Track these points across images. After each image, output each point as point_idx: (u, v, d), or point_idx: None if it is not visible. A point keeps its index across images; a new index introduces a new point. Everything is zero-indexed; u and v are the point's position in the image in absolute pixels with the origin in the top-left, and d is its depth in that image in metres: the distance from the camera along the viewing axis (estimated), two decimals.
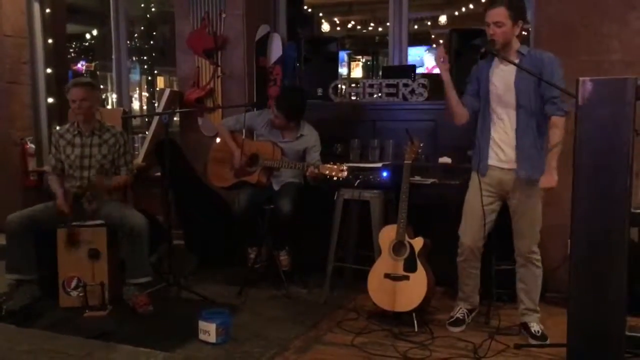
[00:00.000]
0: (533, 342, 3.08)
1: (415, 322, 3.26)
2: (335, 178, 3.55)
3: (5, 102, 5.64)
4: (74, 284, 3.61)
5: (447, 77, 3.10)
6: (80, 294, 3.58)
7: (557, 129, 2.94)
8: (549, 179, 2.94)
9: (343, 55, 9.37)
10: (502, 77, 3.04)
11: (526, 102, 2.99)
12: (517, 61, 2.98)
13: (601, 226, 2.02)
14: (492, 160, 3.10)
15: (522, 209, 3.08)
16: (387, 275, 3.33)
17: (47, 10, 5.97)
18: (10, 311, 3.47)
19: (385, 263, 3.36)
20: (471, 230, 3.19)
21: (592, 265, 2.06)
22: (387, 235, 3.38)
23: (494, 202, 3.15)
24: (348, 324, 3.38)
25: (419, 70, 5.54)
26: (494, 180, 3.11)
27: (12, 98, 5.68)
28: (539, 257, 3.13)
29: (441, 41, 9.17)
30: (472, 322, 3.36)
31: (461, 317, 3.31)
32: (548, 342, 3.07)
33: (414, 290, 3.27)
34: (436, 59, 3.13)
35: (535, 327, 3.13)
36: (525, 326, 3.17)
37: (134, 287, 3.62)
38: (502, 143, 3.07)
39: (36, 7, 5.84)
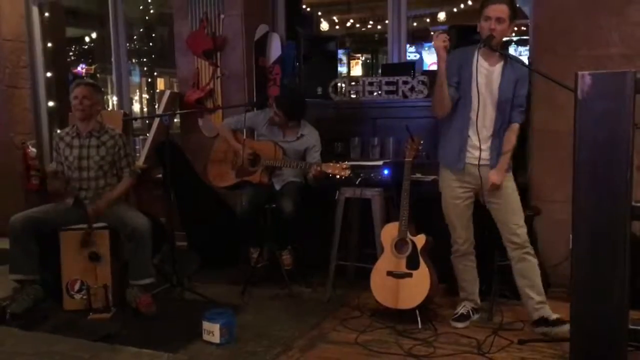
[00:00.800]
0: (555, 330, 3.02)
1: (419, 319, 3.27)
2: (338, 177, 3.55)
3: (6, 106, 5.67)
4: (77, 286, 3.62)
5: (443, 65, 3.01)
6: (84, 297, 3.59)
7: (514, 135, 3.07)
8: (500, 176, 3.04)
9: (340, 52, 9.35)
10: (486, 77, 3.03)
11: (505, 105, 3.03)
12: (501, 62, 3.02)
13: (602, 220, 2.02)
14: (468, 158, 3.11)
15: (501, 198, 3.10)
16: (389, 273, 3.33)
17: (46, 14, 5.99)
18: (14, 314, 3.48)
19: (387, 261, 3.36)
20: (461, 227, 3.23)
21: (594, 259, 2.06)
22: (389, 233, 3.39)
23: (468, 192, 3.18)
24: (352, 322, 3.38)
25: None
26: (469, 176, 3.13)
27: (12, 102, 5.70)
28: (531, 246, 3.14)
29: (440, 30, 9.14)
30: (477, 318, 3.36)
31: (465, 313, 3.31)
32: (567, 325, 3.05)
33: (417, 287, 3.27)
34: (436, 43, 2.98)
35: (553, 315, 3.09)
36: (543, 320, 3.10)
37: (137, 289, 3.62)
38: (476, 141, 3.06)
39: (35, 11, 5.86)
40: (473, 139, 3.07)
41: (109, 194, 3.74)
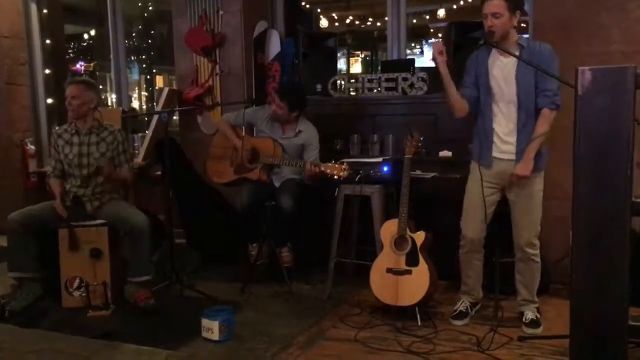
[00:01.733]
0: (525, 329, 3.12)
1: (418, 316, 3.26)
2: (336, 177, 3.54)
3: (5, 103, 5.66)
4: (76, 284, 3.62)
5: (445, 70, 3.09)
6: (83, 294, 3.58)
7: (545, 121, 2.98)
8: (524, 167, 2.98)
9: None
10: (502, 70, 3.03)
11: (527, 96, 2.99)
12: (517, 53, 2.97)
13: (602, 216, 2.01)
14: (494, 152, 3.10)
15: (521, 199, 3.09)
16: (389, 270, 3.33)
17: (44, 11, 5.97)
18: (13, 312, 3.48)
19: (387, 258, 3.36)
20: (473, 222, 3.20)
21: (594, 255, 2.05)
22: (388, 229, 3.38)
23: (494, 194, 3.16)
24: (351, 319, 3.38)
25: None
26: (495, 172, 3.11)
27: (11, 99, 5.69)
28: (537, 252, 3.13)
29: (440, 35, 9.17)
30: (476, 315, 3.36)
31: (464, 310, 3.31)
32: (540, 329, 3.11)
33: (416, 284, 3.27)
34: (433, 52, 3.11)
35: (528, 315, 3.16)
36: (521, 316, 3.20)
37: (135, 286, 3.62)
38: (503, 135, 3.07)
39: (33, 7, 5.84)
40: (499, 133, 3.07)
41: (112, 169, 3.70)
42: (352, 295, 3.75)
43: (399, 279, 3.30)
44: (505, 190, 3.14)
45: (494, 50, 3.05)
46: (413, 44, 9.72)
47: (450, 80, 3.11)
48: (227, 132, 4.11)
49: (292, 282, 3.92)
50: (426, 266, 3.28)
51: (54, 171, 3.83)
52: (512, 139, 3.05)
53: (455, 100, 3.14)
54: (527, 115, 3.01)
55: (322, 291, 3.79)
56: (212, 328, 3.05)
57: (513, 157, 3.05)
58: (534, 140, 2.97)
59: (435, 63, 3.09)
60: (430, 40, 9.20)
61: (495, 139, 3.09)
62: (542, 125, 2.97)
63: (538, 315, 3.18)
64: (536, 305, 3.22)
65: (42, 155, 5.83)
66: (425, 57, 9.17)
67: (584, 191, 2.03)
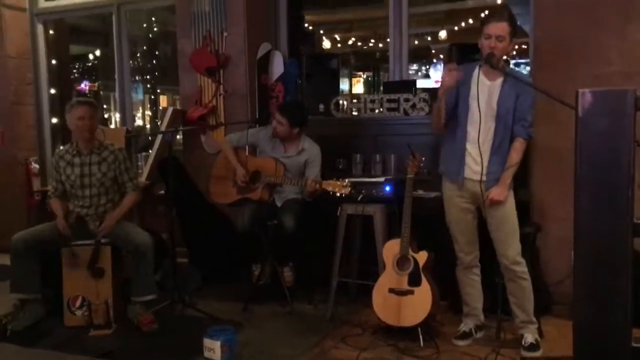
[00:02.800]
0: (524, 353, 3.10)
1: (421, 336, 3.25)
2: (338, 194, 3.55)
3: (10, 122, 5.71)
4: (78, 302, 3.62)
5: (443, 97, 3.05)
6: (85, 313, 3.58)
7: (519, 151, 3.04)
8: (499, 192, 3.02)
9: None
10: (485, 93, 3.03)
11: (504, 122, 3.02)
12: (501, 79, 3.01)
13: (604, 238, 2.01)
14: (467, 173, 3.11)
15: (496, 219, 3.09)
16: (391, 290, 3.32)
17: (51, 32, 6.05)
18: (15, 331, 3.47)
19: (389, 278, 3.36)
20: (465, 242, 3.23)
21: (596, 277, 2.05)
22: (390, 249, 3.38)
23: (472, 208, 3.18)
24: (353, 339, 3.37)
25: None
26: (468, 192, 3.13)
27: (16, 119, 5.75)
28: (524, 269, 3.12)
29: (441, 56, 9.24)
30: (479, 336, 3.34)
31: (467, 331, 3.30)
32: (539, 352, 3.10)
33: (419, 304, 3.26)
34: (445, 76, 3.03)
35: (528, 338, 3.14)
36: (522, 338, 3.17)
37: (139, 305, 3.62)
38: (476, 156, 3.07)
39: (40, 28, 5.93)
40: (473, 153, 3.07)
41: (115, 212, 3.73)
42: (354, 316, 3.74)
43: (402, 299, 3.29)
44: (481, 211, 3.16)
45: (480, 71, 3.04)
46: (417, 66, 9.78)
47: (443, 104, 3.09)
48: (228, 155, 4.13)
49: (294, 301, 3.91)
50: (428, 286, 3.27)
51: (54, 192, 3.84)
52: (485, 160, 3.05)
53: (441, 119, 3.12)
54: (502, 140, 3.04)
55: (324, 311, 3.79)
56: (214, 348, 3.04)
57: (484, 177, 3.06)
58: (509, 168, 3.02)
59: (442, 84, 3.05)
60: (438, 66, 9.28)
61: (467, 159, 3.10)
62: (517, 155, 3.03)
63: (538, 338, 3.16)
64: (535, 326, 3.19)
65: (46, 174, 5.86)
66: (431, 79, 9.25)
67: (585, 213, 2.04)
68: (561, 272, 3.62)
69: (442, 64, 8.89)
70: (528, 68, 5.95)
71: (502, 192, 3.02)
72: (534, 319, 3.20)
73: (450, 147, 3.18)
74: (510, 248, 3.09)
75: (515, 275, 3.11)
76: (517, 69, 5.64)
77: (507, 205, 3.09)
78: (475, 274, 3.29)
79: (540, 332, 3.23)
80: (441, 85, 3.05)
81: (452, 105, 3.12)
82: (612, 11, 3.62)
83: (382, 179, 3.79)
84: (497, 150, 3.05)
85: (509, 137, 3.04)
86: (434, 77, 9.10)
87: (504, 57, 3.06)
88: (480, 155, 3.04)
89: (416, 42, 8.76)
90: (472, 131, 3.06)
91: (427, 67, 9.53)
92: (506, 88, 3.01)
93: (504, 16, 2.97)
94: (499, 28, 2.94)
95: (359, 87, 10.84)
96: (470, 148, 3.08)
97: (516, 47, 3.09)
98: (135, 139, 5.39)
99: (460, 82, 3.06)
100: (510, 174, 3.03)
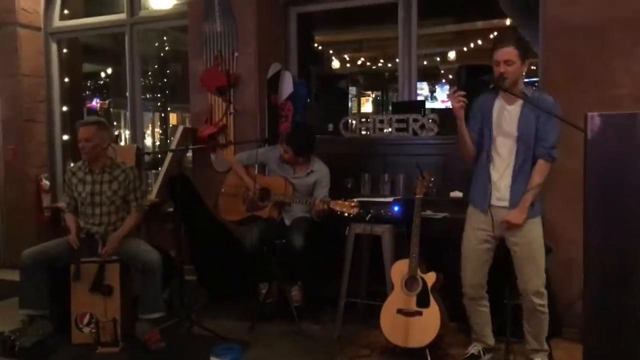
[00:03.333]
0: None
1: (429, 358, 3.22)
2: (346, 214, 3.56)
3: (22, 139, 5.78)
4: (86, 320, 3.62)
5: (462, 125, 3.06)
6: (93, 330, 3.58)
7: (541, 173, 2.99)
8: (516, 215, 2.97)
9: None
10: (506, 118, 3.05)
11: (525, 146, 3.01)
12: (520, 102, 3.01)
13: (614, 260, 2.01)
14: (492, 200, 3.08)
15: (521, 247, 3.04)
16: (399, 311, 3.31)
17: (64, 51, 6.14)
18: (24, 348, 3.48)
19: (397, 298, 3.34)
20: (472, 270, 3.17)
21: (607, 299, 2.04)
22: (399, 270, 3.37)
23: (491, 241, 3.13)
24: None
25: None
26: (493, 219, 3.07)
27: (28, 136, 5.81)
28: (544, 302, 3.06)
29: (450, 76, 9.30)
30: (487, 359, 3.31)
31: (476, 353, 3.27)
32: None
33: (427, 325, 3.24)
34: (453, 105, 3.05)
35: None
36: None
37: (146, 323, 3.62)
38: (499, 182, 3.06)
39: (54, 47, 6.02)
40: (496, 180, 3.06)
41: (116, 233, 3.75)
42: (361, 336, 3.72)
43: (410, 320, 3.27)
44: (505, 239, 3.10)
45: (500, 97, 3.07)
46: (426, 85, 9.84)
47: (466, 130, 3.09)
48: (239, 172, 4.16)
49: (302, 321, 3.90)
50: (437, 307, 3.25)
51: (68, 207, 3.87)
52: (507, 186, 3.04)
53: (469, 148, 3.13)
54: (524, 163, 3.02)
55: (332, 331, 3.77)
56: None
57: (507, 204, 3.04)
58: (530, 190, 2.97)
59: (454, 110, 3.05)
60: (444, 87, 9.32)
61: (492, 185, 3.08)
62: (538, 177, 2.99)
63: None
64: (546, 352, 3.16)
65: (56, 190, 5.91)
66: (438, 100, 9.30)
67: (595, 235, 2.04)
68: (572, 294, 3.60)
69: (449, 85, 8.95)
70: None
71: (520, 216, 2.97)
72: (546, 347, 3.16)
73: (477, 175, 3.17)
74: (533, 279, 3.03)
75: (534, 307, 3.05)
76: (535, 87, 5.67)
77: (535, 234, 3.04)
78: (483, 305, 3.25)
79: (550, 356, 3.19)
80: (454, 113, 3.05)
81: (478, 130, 3.13)
82: (622, 34, 3.63)
83: (390, 199, 3.79)
84: (518, 174, 3.02)
85: (530, 160, 3.01)
86: (440, 97, 9.14)
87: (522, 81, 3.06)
88: (502, 181, 3.03)
89: (425, 63, 8.81)
90: (495, 156, 3.06)
91: (434, 87, 9.58)
92: (526, 111, 3.00)
93: (510, 41, 2.99)
94: (506, 53, 2.95)
95: (367, 107, 10.89)
96: (494, 174, 3.07)
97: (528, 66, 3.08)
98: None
99: (481, 110, 3.10)
100: (531, 196, 2.97)
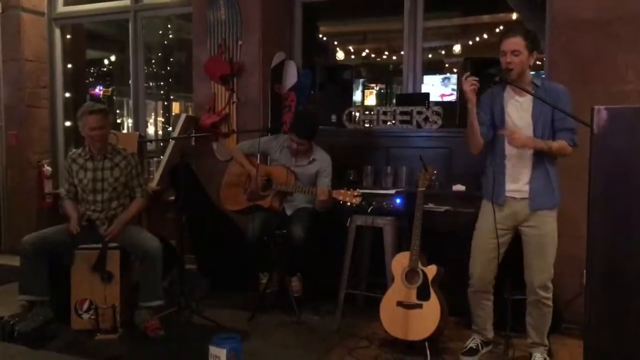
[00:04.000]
0: None
1: (428, 351, 3.22)
2: (348, 204, 3.55)
3: (25, 125, 5.77)
4: (86, 306, 3.62)
5: (473, 109, 3.04)
6: (92, 317, 3.58)
7: (561, 145, 2.95)
8: (522, 138, 2.94)
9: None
10: (518, 109, 3.04)
11: (541, 134, 2.99)
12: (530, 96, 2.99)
13: (617, 256, 1.99)
14: (507, 191, 3.07)
15: (534, 239, 3.04)
16: (399, 303, 3.30)
17: (68, 36, 6.12)
18: (23, 333, 3.48)
19: (398, 291, 3.33)
20: (481, 263, 3.16)
21: (609, 296, 2.03)
22: (400, 262, 3.37)
23: (505, 235, 3.11)
24: (360, 352, 3.35)
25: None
26: (508, 212, 3.07)
27: (30, 121, 5.80)
28: (550, 296, 3.06)
29: (455, 70, 9.24)
30: (487, 352, 3.31)
31: (475, 347, 3.27)
32: None
33: (427, 318, 3.24)
34: (466, 87, 3.04)
35: (537, 358, 3.10)
36: (530, 357, 3.14)
37: (146, 311, 3.62)
38: (516, 174, 3.05)
39: (57, 33, 5.99)
40: (512, 171, 3.05)
41: (122, 216, 3.75)
42: (361, 328, 3.72)
43: (409, 312, 3.27)
44: (519, 231, 3.10)
45: (508, 88, 3.06)
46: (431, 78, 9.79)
47: (476, 115, 3.08)
48: (241, 160, 4.15)
49: (301, 312, 3.90)
50: (437, 301, 3.25)
51: (68, 194, 3.86)
52: (525, 178, 3.03)
53: (476, 136, 3.10)
54: (541, 156, 3.00)
55: (331, 322, 3.77)
56: (219, 356, 3.01)
57: (526, 195, 3.02)
58: (545, 143, 2.94)
59: (466, 95, 3.04)
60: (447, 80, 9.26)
61: (507, 177, 3.07)
62: (557, 145, 2.95)
63: (547, 358, 3.12)
64: (546, 347, 3.15)
65: (58, 177, 5.91)
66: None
67: (598, 230, 2.02)
68: (573, 290, 3.59)
69: (457, 78, 8.85)
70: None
71: (525, 140, 2.94)
72: (547, 341, 3.16)
73: (490, 167, 3.15)
74: (541, 272, 3.03)
75: (539, 300, 3.05)
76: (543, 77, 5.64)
77: (549, 228, 3.03)
78: (487, 299, 3.24)
79: (549, 352, 3.19)
80: (466, 96, 3.04)
81: (488, 124, 3.12)
82: (628, 28, 3.60)
83: (392, 192, 3.78)
84: (537, 166, 3.01)
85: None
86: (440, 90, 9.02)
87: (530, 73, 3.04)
88: (519, 172, 3.02)
89: (430, 56, 8.77)
90: (510, 149, 3.04)
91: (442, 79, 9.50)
92: (538, 101, 2.99)
93: (518, 31, 2.99)
94: (513, 43, 2.94)
95: (371, 99, 10.85)
96: (510, 166, 3.06)
97: (536, 58, 3.05)
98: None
99: (492, 102, 3.09)
100: (543, 144, 2.93)
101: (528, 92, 2.96)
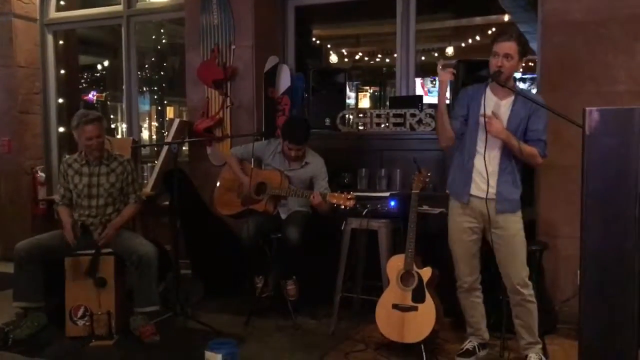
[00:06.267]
0: None
1: (424, 353, 3.22)
2: (343, 207, 3.55)
3: (18, 131, 5.75)
4: (80, 312, 3.61)
5: (443, 99, 3.10)
6: (87, 323, 3.57)
7: (530, 150, 2.97)
8: (500, 127, 2.94)
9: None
10: (496, 108, 3.04)
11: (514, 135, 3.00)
12: (512, 98, 3.02)
13: (611, 256, 2.00)
14: (473, 190, 3.08)
15: (504, 240, 3.05)
16: (395, 306, 3.30)
17: (60, 42, 6.11)
18: (17, 340, 3.47)
19: (393, 293, 3.34)
20: (464, 263, 3.18)
21: (603, 295, 2.04)
22: (395, 265, 3.37)
23: (477, 229, 3.13)
24: (356, 355, 3.35)
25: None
26: (475, 211, 3.09)
27: (23, 127, 5.79)
28: (531, 292, 3.07)
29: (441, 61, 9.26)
30: (483, 354, 3.31)
31: (471, 349, 3.26)
32: None
33: (422, 321, 3.24)
34: (443, 77, 3.09)
35: (532, 358, 3.10)
36: (525, 359, 3.13)
37: (141, 317, 3.61)
38: (484, 174, 3.04)
39: (50, 39, 5.98)
40: (481, 171, 3.05)
41: (115, 221, 3.74)
42: (357, 331, 3.72)
43: (405, 315, 3.27)
44: (485, 233, 3.12)
45: (489, 90, 3.07)
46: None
47: (444, 107, 3.12)
48: (234, 167, 4.13)
49: (297, 315, 3.89)
50: (432, 303, 3.25)
51: (62, 199, 3.84)
52: (493, 179, 3.03)
53: (446, 127, 3.12)
54: (509, 160, 3.02)
55: (327, 326, 3.76)
56: None
57: (493, 196, 3.03)
58: (519, 142, 2.95)
59: (440, 82, 3.10)
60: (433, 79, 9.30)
61: (475, 176, 3.07)
62: (526, 146, 2.96)
63: (543, 358, 3.12)
64: (540, 346, 3.15)
65: (52, 183, 5.89)
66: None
67: (592, 231, 2.03)
68: (567, 291, 3.60)
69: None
70: (527, 84, 5.99)
71: (501, 130, 2.94)
72: (539, 339, 3.16)
73: (458, 165, 3.17)
74: (517, 271, 3.04)
75: (522, 299, 3.05)
76: (523, 85, 5.64)
77: (517, 227, 3.05)
78: (477, 297, 3.25)
79: (545, 352, 3.19)
80: (439, 83, 3.08)
81: (461, 119, 3.13)
82: (620, 30, 3.63)
83: (387, 194, 3.78)
84: (505, 169, 3.03)
85: (517, 158, 3.02)
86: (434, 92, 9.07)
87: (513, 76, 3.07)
88: (487, 173, 3.02)
89: (423, 58, 8.80)
90: (479, 149, 3.06)
91: (433, 82, 9.54)
92: (517, 107, 3.01)
93: (512, 36, 3.01)
94: (507, 46, 2.96)
95: (365, 102, 10.86)
96: (478, 165, 3.06)
97: (523, 64, 3.08)
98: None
99: (470, 100, 3.10)
100: (516, 142, 2.93)
101: (513, 91, 2.99)
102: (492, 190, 3.03)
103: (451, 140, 3.15)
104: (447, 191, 3.27)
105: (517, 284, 3.04)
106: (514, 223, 3.06)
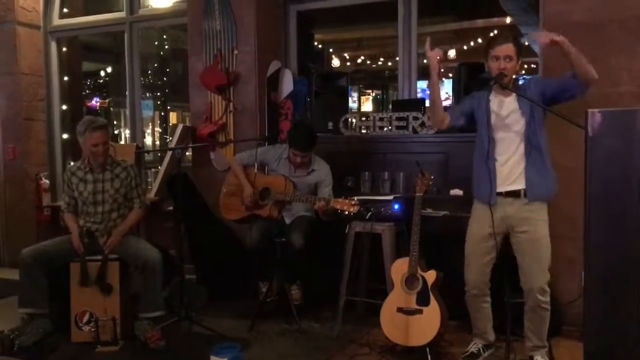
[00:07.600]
0: None
1: (429, 356, 3.22)
2: (347, 212, 3.55)
3: (22, 138, 5.78)
4: (86, 318, 3.62)
5: (435, 75, 3.14)
6: (92, 329, 3.58)
7: (591, 71, 2.95)
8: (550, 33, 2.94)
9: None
10: (504, 105, 3.06)
11: (532, 127, 3.00)
12: (514, 94, 3.03)
13: (614, 257, 2.00)
14: (499, 186, 3.05)
15: (527, 243, 3.02)
16: (399, 309, 3.30)
17: (64, 49, 6.14)
18: (23, 347, 3.48)
19: (397, 297, 3.33)
20: (476, 267, 3.15)
21: (607, 297, 2.03)
22: (399, 268, 3.36)
23: (498, 235, 3.10)
24: (361, 359, 3.35)
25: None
26: (500, 215, 3.05)
27: (28, 134, 5.81)
28: (548, 299, 3.04)
29: (450, 75, 9.26)
30: (488, 357, 3.30)
31: (476, 352, 3.26)
32: None
33: (427, 324, 3.24)
34: (431, 54, 3.14)
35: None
36: None
37: (146, 322, 3.61)
38: (507, 165, 3.03)
39: (53, 46, 6.01)
40: (504, 170, 3.04)
41: (120, 227, 3.75)
42: (361, 334, 3.71)
43: (410, 318, 3.27)
44: (509, 235, 3.09)
45: (493, 93, 3.09)
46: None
47: (438, 85, 3.18)
48: (238, 174, 4.13)
49: (301, 319, 3.89)
50: (437, 306, 3.25)
51: (68, 207, 3.86)
52: (518, 171, 3.01)
53: (439, 109, 3.16)
54: (532, 146, 3.00)
55: (332, 329, 3.76)
56: None
57: (523, 185, 3.00)
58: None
59: (430, 64, 3.14)
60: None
61: (498, 177, 3.05)
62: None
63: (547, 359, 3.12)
64: (546, 349, 3.15)
65: (56, 189, 5.91)
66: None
67: (595, 232, 2.03)
68: (572, 292, 3.59)
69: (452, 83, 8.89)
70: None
71: (553, 35, 2.92)
72: (546, 343, 3.15)
73: (478, 167, 3.15)
74: (537, 277, 3.01)
75: (538, 305, 3.02)
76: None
77: (540, 229, 3.02)
78: (484, 302, 3.23)
79: (550, 354, 3.19)
80: (431, 67, 3.14)
81: (461, 112, 3.18)
82: (622, 31, 3.62)
83: (390, 197, 3.78)
84: (529, 158, 3.00)
85: (537, 140, 3.00)
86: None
87: (513, 77, 3.08)
88: (508, 168, 3.02)
89: (425, 61, 8.81)
90: (497, 150, 3.05)
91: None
92: (521, 97, 3.02)
93: (509, 37, 3.03)
94: (506, 49, 2.99)
95: (368, 105, 10.88)
96: (498, 165, 3.05)
97: (525, 66, 3.10)
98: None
99: (476, 105, 3.13)
100: (575, 50, 2.91)
101: (518, 94, 3.00)
102: (521, 183, 3.01)
103: (444, 123, 3.19)
104: (473, 193, 3.24)
105: (537, 291, 3.00)
106: (540, 227, 3.01)
